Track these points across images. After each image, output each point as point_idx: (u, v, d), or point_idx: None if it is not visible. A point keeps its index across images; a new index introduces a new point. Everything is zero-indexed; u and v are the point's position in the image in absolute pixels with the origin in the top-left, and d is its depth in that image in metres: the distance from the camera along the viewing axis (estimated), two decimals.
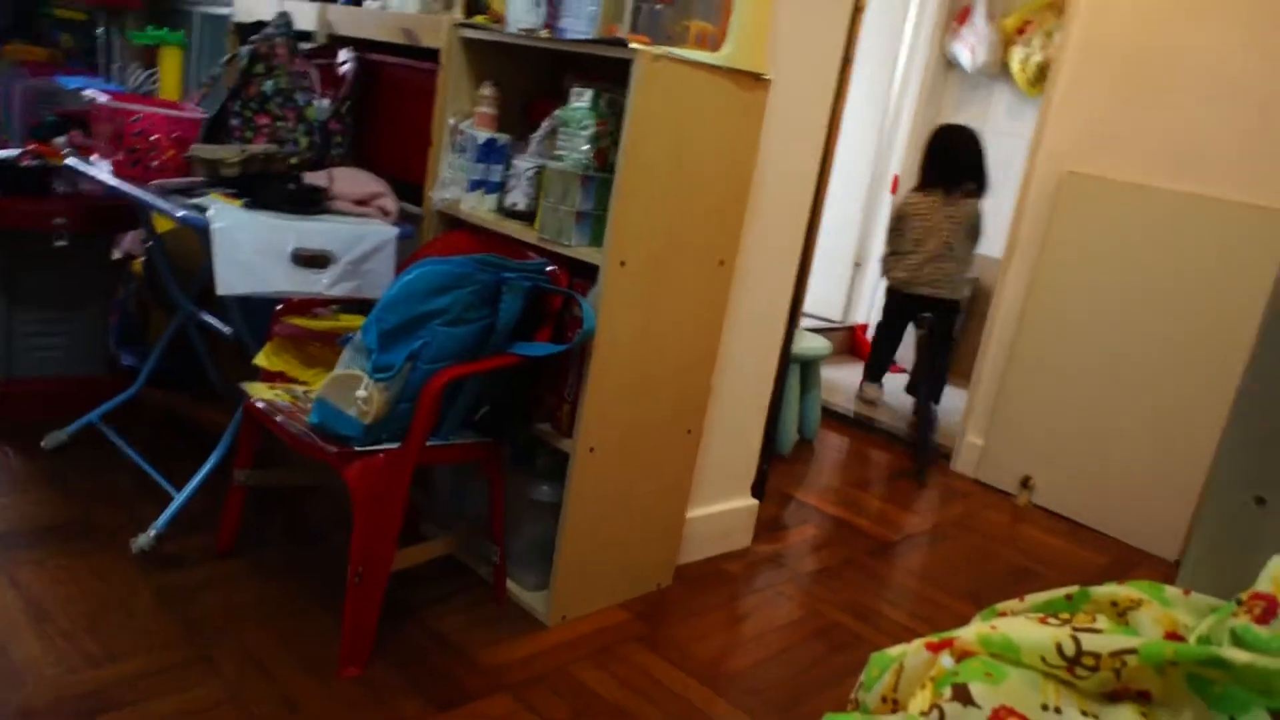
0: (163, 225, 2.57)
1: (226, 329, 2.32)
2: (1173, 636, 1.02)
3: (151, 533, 2.04)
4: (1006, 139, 4.62)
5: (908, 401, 4.18)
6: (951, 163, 3.78)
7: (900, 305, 3.96)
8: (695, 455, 2.26)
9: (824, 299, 5.07)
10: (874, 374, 4.20)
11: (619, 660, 2.00)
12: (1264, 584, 1.01)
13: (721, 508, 2.53)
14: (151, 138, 2.17)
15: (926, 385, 3.64)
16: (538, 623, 2.08)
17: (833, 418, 3.99)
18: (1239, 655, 0.87)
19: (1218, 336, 2.94)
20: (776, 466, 3.27)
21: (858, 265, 5.14)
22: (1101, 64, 3.21)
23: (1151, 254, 3.08)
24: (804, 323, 4.26)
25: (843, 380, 4.47)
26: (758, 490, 2.63)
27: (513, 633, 2.03)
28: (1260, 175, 2.89)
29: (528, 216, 2.09)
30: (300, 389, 2.08)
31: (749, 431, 2.54)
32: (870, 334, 4.62)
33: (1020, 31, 4.46)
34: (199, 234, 1.93)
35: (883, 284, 4.09)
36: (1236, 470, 1.12)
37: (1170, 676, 0.91)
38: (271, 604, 1.97)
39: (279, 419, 1.87)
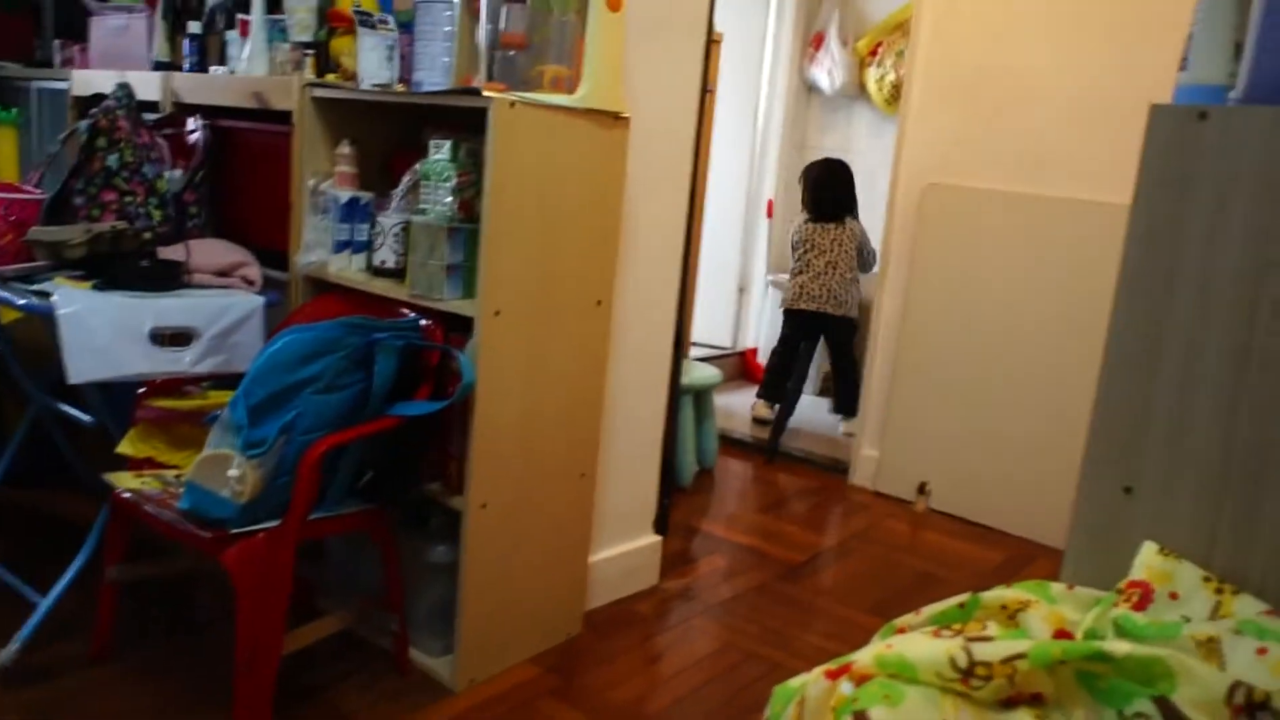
0: (7, 315, 2.42)
1: (86, 417, 2.19)
2: (1061, 634, 1.03)
3: (13, 646, 1.89)
4: (870, 156, 4.77)
5: (804, 420, 4.25)
6: (820, 201, 4.05)
7: (791, 324, 4.11)
8: (592, 498, 2.23)
9: (711, 326, 5.12)
10: (767, 392, 4.25)
11: (532, 717, 1.94)
12: (1137, 571, 1.04)
13: (625, 548, 2.50)
14: None
15: (796, 387, 4.01)
16: (445, 689, 2.00)
17: (731, 444, 4.01)
18: (1119, 647, 0.89)
19: (1084, 327, 3.07)
20: (678, 500, 3.26)
21: (742, 290, 5.21)
22: (948, 81, 3.35)
23: (1013, 254, 3.21)
24: (693, 352, 4.29)
25: (737, 406, 4.51)
26: (661, 526, 2.61)
27: (419, 703, 1.95)
28: (1097, 174, 3.06)
29: (398, 274, 2.04)
30: (171, 473, 1.97)
31: (645, 468, 2.53)
32: (762, 358, 4.70)
33: (872, 54, 4.63)
34: (45, 322, 1.83)
35: (769, 307, 4.20)
36: (1104, 462, 1.16)
37: (1060, 676, 0.92)
38: (155, 708, 1.85)
39: (148, 508, 1.77)
